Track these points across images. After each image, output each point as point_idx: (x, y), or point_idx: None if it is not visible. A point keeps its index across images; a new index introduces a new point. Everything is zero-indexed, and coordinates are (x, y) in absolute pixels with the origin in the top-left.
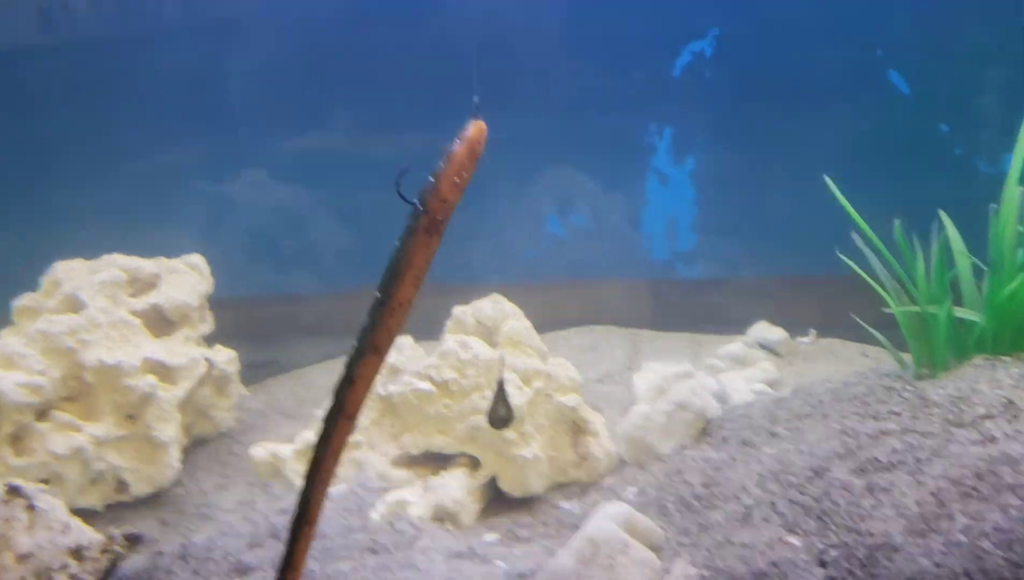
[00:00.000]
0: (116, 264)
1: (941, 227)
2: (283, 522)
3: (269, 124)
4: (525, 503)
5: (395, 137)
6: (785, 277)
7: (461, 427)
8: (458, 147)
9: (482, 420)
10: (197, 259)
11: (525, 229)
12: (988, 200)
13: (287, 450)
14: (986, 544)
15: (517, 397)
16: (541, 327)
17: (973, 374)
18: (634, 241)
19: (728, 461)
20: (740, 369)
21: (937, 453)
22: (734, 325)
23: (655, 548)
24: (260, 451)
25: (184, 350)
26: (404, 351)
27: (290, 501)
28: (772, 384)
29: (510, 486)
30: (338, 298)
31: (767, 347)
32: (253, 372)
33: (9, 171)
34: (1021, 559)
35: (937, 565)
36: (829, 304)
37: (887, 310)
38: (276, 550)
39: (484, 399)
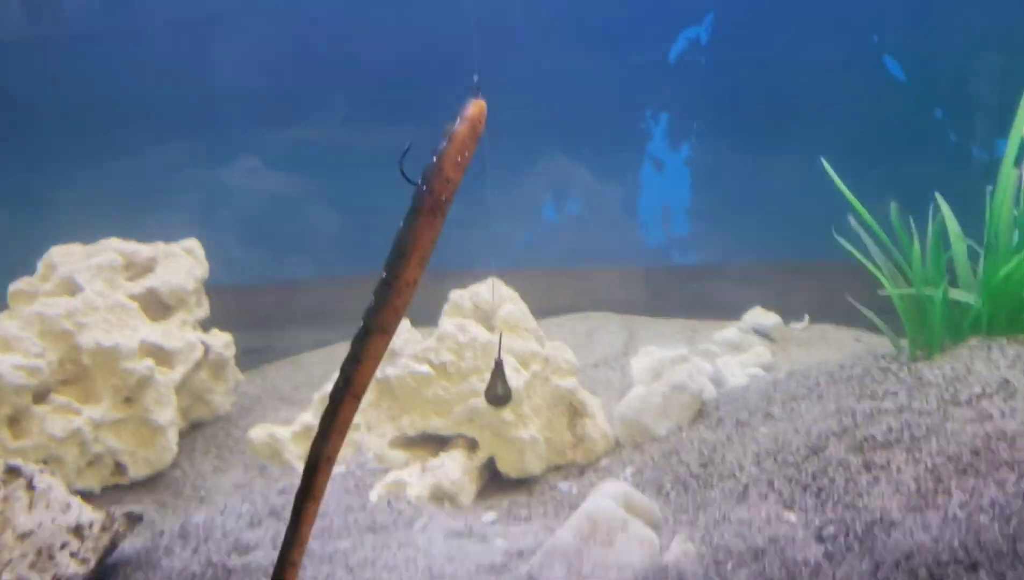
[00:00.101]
0: (112, 248)
1: (937, 210)
2: (282, 502)
3: (264, 112)
4: (523, 484)
5: (390, 124)
6: (779, 263)
7: (459, 409)
8: (459, 126)
9: (480, 402)
10: (193, 244)
11: (521, 216)
12: (982, 185)
13: (285, 432)
14: (983, 519)
15: (515, 379)
16: (537, 313)
17: (969, 355)
18: (630, 228)
19: (724, 441)
20: (735, 354)
21: (934, 431)
22: (729, 311)
23: (653, 526)
24: (258, 433)
25: (181, 334)
26: (401, 334)
27: (288, 483)
28: (767, 368)
29: (508, 467)
30: (333, 284)
31: (761, 333)
32: (249, 358)
33: (5, 157)
34: (1018, 533)
35: (935, 540)
36: (823, 290)
37: (883, 293)
38: (276, 529)
39: (482, 382)
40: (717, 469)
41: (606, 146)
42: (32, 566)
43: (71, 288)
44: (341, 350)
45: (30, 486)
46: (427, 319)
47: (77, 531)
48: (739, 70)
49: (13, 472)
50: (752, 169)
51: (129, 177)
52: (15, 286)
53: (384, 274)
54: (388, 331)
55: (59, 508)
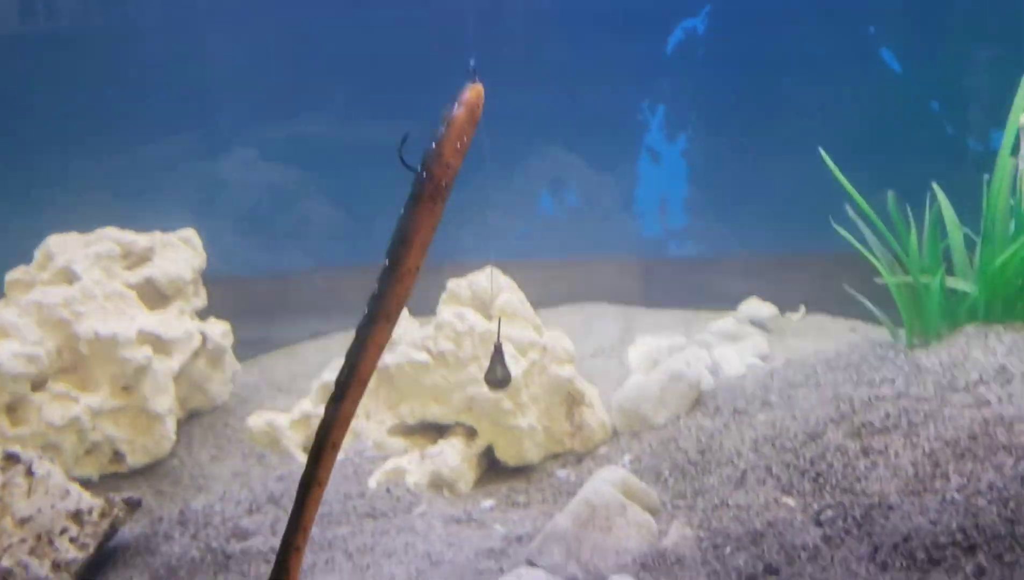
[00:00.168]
0: (110, 237)
1: (934, 200)
2: (281, 489)
3: (260, 104)
4: (521, 472)
5: (387, 116)
6: (775, 254)
7: (457, 397)
8: (457, 111)
9: (478, 390)
10: (190, 233)
11: (518, 207)
12: (977, 177)
13: (284, 420)
14: (981, 502)
15: (513, 368)
16: (533, 305)
17: (965, 342)
18: (626, 219)
19: (722, 428)
20: (732, 344)
21: (931, 417)
22: (725, 302)
23: (651, 511)
24: (257, 421)
25: (179, 323)
26: (399, 323)
27: (286, 470)
28: (764, 358)
29: (506, 455)
30: (329, 276)
31: (757, 323)
32: (245, 349)
33: (1, 147)
34: (1016, 515)
35: (933, 522)
36: (819, 281)
37: (880, 281)
38: (274, 515)
39: (480, 370)
40: (715, 456)
41: (603, 137)
42: (32, 551)
43: (69, 277)
44: (338, 341)
45: (29, 472)
46: (425, 310)
47: (76, 517)
48: (736, 62)
49: (12, 459)
50: (749, 161)
51: (126, 168)
52: (12, 275)
53: (387, 261)
54: (392, 317)
55: (58, 494)
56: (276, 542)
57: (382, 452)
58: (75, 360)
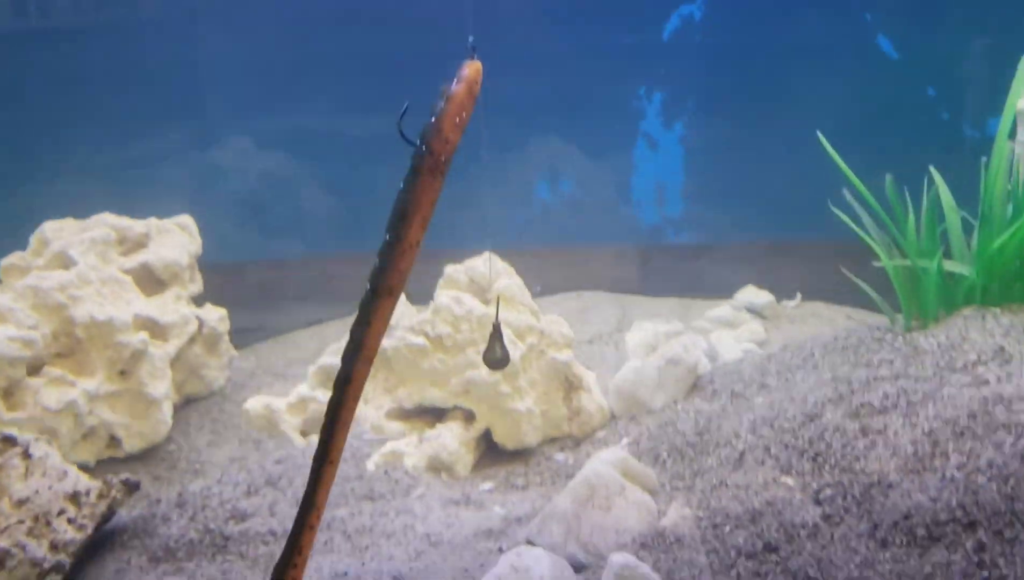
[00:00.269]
0: (106, 223)
1: (931, 184)
2: (279, 471)
3: (257, 93)
4: (519, 455)
5: (383, 105)
6: (771, 242)
7: (455, 381)
8: (457, 87)
9: (476, 374)
10: (186, 220)
11: (514, 195)
12: (973, 164)
13: (281, 403)
14: (981, 479)
15: (511, 352)
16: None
17: (963, 324)
18: (623, 207)
19: (720, 411)
20: (728, 331)
21: (930, 396)
22: (721, 290)
23: (650, 491)
24: (254, 404)
25: (175, 308)
26: (396, 308)
27: (285, 453)
28: (760, 344)
29: (504, 439)
30: (324, 264)
31: (754, 310)
32: (241, 336)
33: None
34: (1016, 492)
35: (933, 500)
36: (814, 269)
37: (878, 264)
38: (273, 497)
39: (478, 354)
40: (713, 437)
41: (599, 125)
42: (30, 532)
43: (64, 262)
44: (333, 329)
45: (26, 454)
46: (421, 298)
47: (74, 498)
48: (733, 49)
49: (9, 441)
50: (745, 149)
51: (121, 156)
52: (7, 260)
53: (387, 236)
54: (394, 293)
55: (56, 476)
56: (274, 524)
57: (380, 435)
58: (71, 345)
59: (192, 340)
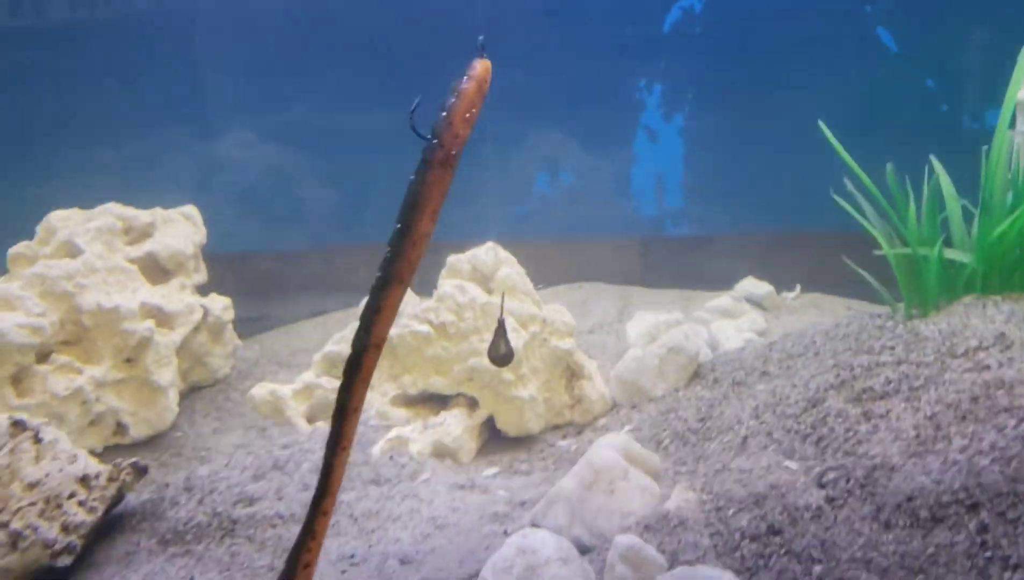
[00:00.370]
0: (112, 212)
1: (932, 173)
2: (286, 456)
3: (261, 86)
4: (522, 442)
5: (387, 98)
6: (771, 234)
7: (459, 368)
8: (467, 84)
9: (480, 362)
10: (191, 210)
11: (515, 188)
12: (974, 154)
13: (286, 390)
14: (983, 462)
15: (514, 340)
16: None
17: (964, 312)
18: (623, 199)
19: (721, 398)
20: (729, 321)
21: (932, 381)
22: (721, 281)
23: (654, 475)
24: (260, 391)
25: (180, 296)
26: None
27: (291, 438)
28: (761, 333)
29: (507, 426)
30: (327, 255)
31: (753, 301)
32: (246, 326)
33: (3, 125)
34: (1018, 474)
35: (936, 482)
36: (814, 261)
37: (879, 253)
38: (279, 481)
39: (482, 342)
40: (715, 423)
41: (600, 117)
42: (41, 514)
43: (71, 251)
44: (337, 319)
45: (37, 438)
46: (425, 288)
47: (84, 481)
48: (733, 41)
49: (19, 426)
50: (745, 141)
51: (127, 147)
52: (15, 250)
53: (398, 226)
54: (404, 281)
55: (66, 459)
56: (281, 507)
57: (385, 422)
58: (78, 332)
59: (197, 329)
